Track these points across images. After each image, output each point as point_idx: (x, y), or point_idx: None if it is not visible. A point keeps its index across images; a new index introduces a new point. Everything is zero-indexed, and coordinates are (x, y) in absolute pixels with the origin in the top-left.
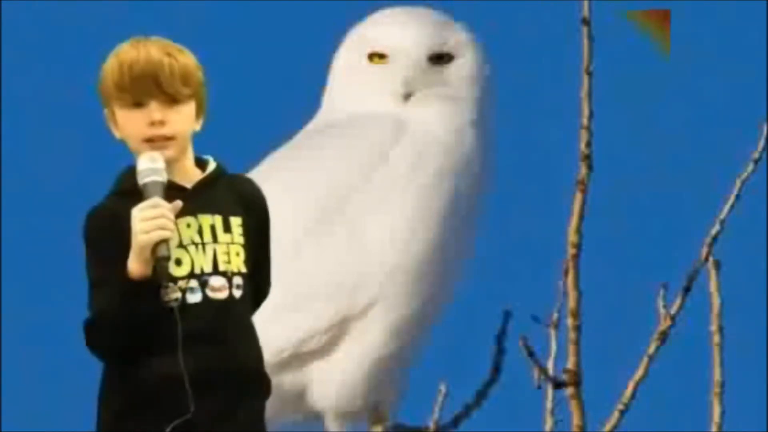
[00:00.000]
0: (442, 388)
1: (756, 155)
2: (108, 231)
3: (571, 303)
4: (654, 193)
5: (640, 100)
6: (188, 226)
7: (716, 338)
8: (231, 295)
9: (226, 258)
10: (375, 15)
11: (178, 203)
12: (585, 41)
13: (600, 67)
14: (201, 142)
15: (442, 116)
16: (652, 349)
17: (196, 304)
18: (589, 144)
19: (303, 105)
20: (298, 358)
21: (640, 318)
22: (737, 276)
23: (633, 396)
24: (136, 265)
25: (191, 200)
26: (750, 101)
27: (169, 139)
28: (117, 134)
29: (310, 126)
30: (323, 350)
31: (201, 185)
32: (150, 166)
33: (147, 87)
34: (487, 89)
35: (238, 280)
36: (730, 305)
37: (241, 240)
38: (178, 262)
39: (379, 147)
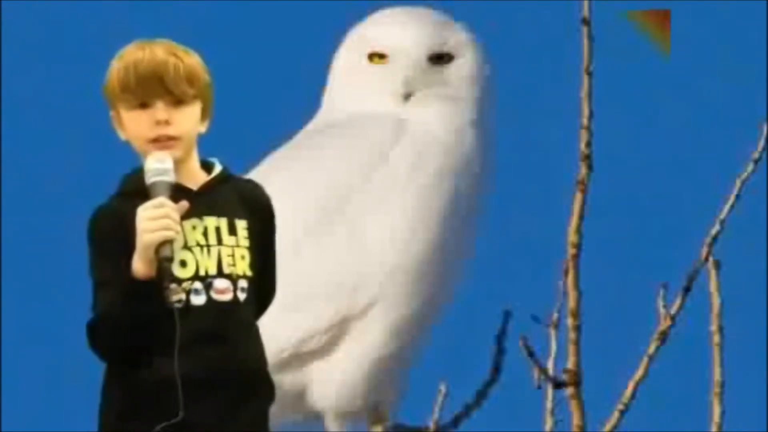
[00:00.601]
0: (442, 388)
1: (756, 155)
2: (113, 231)
3: (571, 303)
4: (654, 193)
5: (640, 100)
6: (193, 228)
7: (716, 338)
8: (235, 298)
9: (230, 261)
10: (375, 15)
11: (184, 204)
12: (585, 41)
13: (600, 67)
14: (201, 142)
15: (442, 116)
16: (652, 349)
17: (200, 306)
18: (589, 144)
19: (303, 105)
20: (298, 358)
21: (640, 318)
22: (737, 276)
23: (633, 396)
24: (139, 265)
25: (197, 202)
26: (750, 101)
27: (174, 139)
28: (123, 136)
29: (310, 126)
30: (323, 350)
31: (207, 187)
32: (158, 166)
33: (152, 87)
34: (487, 89)
35: (242, 283)
36: (730, 305)
37: (246, 243)
38: (183, 264)
39: (379, 147)
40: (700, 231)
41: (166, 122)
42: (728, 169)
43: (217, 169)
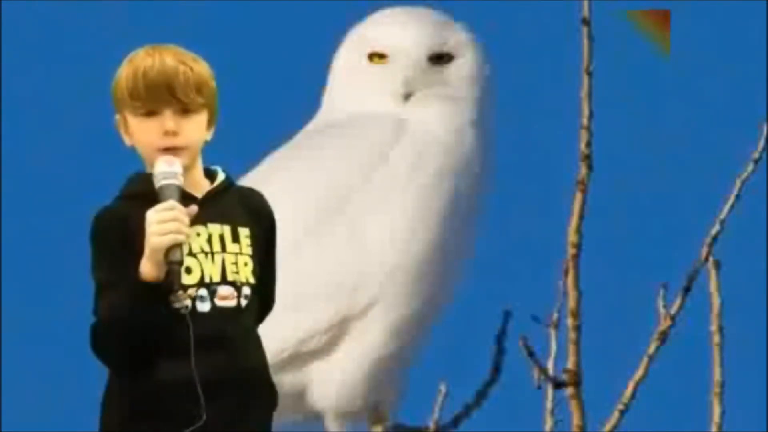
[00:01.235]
0: (442, 388)
1: (756, 155)
2: (118, 233)
3: (571, 303)
4: (654, 193)
5: (640, 100)
6: (198, 234)
7: (716, 338)
8: (239, 304)
9: (234, 268)
10: (375, 15)
11: (194, 208)
12: (585, 41)
13: (600, 67)
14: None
15: (442, 116)
16: (652, 349)
17: (205, 313)
18: (589, 144)
19: (303, 105)
20: (298, 358)
21: (640, 318)
22: (737, 276)
23: (633, 396)
24: (148, 268)
25: (201, 209)
26: (750, 101)
27: (181, 149)
28: (128, 141)
29: (310, 126)
30: (323, 350)
31: (211, 195)
32: (167, 170)
33: (161, 95)
34: (487, 89)
35: (246, 290)
36: (730, 305)
37: (249, 251)
38: (188, 270)
39: (379, 147)
40: (700, 231)
41: (174, 133)
42: (728, 169)
43: (221, 177)
